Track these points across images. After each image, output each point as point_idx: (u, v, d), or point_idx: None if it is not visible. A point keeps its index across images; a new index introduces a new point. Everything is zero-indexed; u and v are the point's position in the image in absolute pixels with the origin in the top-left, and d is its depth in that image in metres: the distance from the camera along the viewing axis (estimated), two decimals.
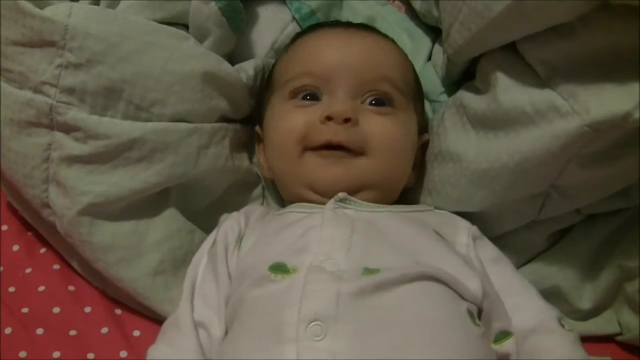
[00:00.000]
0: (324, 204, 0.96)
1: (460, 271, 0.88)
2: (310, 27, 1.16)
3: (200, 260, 0.99)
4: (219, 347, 0.88)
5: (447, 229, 0.97)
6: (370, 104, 1.01)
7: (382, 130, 0.99)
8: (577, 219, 1.05)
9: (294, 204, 1.03)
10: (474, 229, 0.99)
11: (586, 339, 1.05)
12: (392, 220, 0.95)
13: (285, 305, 0.81)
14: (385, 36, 1.12)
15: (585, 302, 1.05)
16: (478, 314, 0.88)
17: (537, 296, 0.95)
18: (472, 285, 0.87)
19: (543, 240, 1.07)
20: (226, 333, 0.90)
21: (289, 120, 1.01)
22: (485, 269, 0.94)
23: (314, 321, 0.78)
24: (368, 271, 0.83)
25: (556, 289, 1.05)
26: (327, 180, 0.98)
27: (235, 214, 1.03)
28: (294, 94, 1.03)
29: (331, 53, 1.03)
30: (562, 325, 0.92)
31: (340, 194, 0.96)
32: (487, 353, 0.85)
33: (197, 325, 0.91)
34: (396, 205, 1.02)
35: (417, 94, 1.10)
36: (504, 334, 0.90)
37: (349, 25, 1.13)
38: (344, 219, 0.92)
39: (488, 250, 0.98)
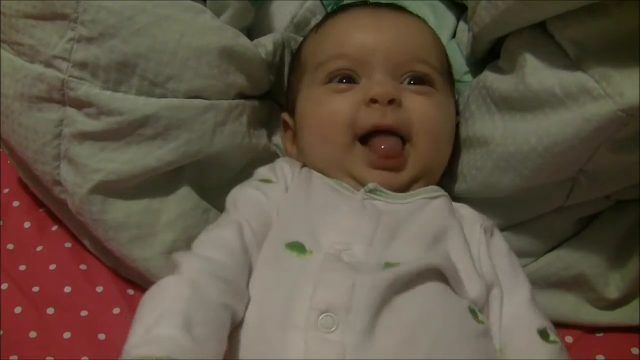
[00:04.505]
0: (357, 189, 0.94)
1: (468, 274, 0.86)
2: (339, 7, 1.12)
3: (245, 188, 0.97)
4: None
5: (463, 221, 0.94)
6: (409, 83, 0.99)
7: (425, 109, 0.97)
8: (605, 205, 1.02)
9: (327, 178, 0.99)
10: (488, 223, 0.96)
11: (611, 329, 1.04)
12: (422, 209, 0.93)
13: (296, 290, 0.79)
14: (417, 16, 1.09)
15: (612, 290, 1.02)
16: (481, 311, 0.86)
17: (525, 302, 0.89)
18: (474, 291, 0.85)
19: (570, 226, 1.04)
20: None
21: (332, 105, 0.98)
22: (495, 265, 0.91)
23: (326, 312, 0.76)
24: (389, 265, 0.82)
25: (582, 276, 1.02)
26: (371, 180, 0.94)
27: (282, 159, 1.04)
28: (328, 79, 1.00)
29: (365, 34, 1.00)
30: (546, 335, 0.86)
31: (371, 185, 0.94)
32: (489, 350, 0.83)
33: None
34: (429, 189, 0.97)
35: (450, 75, 1.08)
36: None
37: (378, 5, 1.09)
38: (371, 212, 0.90)
39: (498, 245, 0.95)
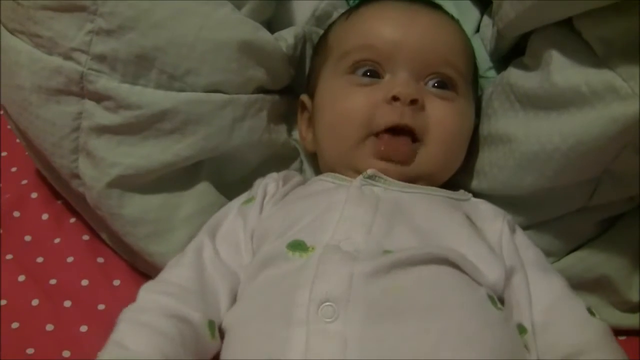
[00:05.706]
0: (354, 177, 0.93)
1: (482, 259, 0.84)
2: None
3: (228, 213, 0.97)
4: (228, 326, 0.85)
5: (480, 214, 0.94)
6: (433, 86, 0.97)
7: (444, 116, 0.95)
8: (629, 206, 1.00)
9: (325, 174, 1.01)
10: (509, 217, 0.95)
11: (634, 332, 1.03)
12: (421, 201, 0.92)
13: (297, 286, 0.78)
14: (451, 16, 1.08)
15: (635, 293, 1.01)
16: (500, 300, 0.84)
17: (565, 285, 0.90)
18: (492, 274, 0.83)
19: (592, 227, 1.02)
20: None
21: (350, 101, 0.97)
22: (519, 254, 0.90)
23: (325, 302, 0.75)
24: (388, 253, 0.80)
25: (605, 278, 1.01)
26: (377, 170, 0.94)
27: (274, 174, 1.01)
28: (352, 69, 0.99)
29: (395, 29, 0.98)
30: (593, 314, 0.86)
31: (369, 171, 0.92)
32: (510, 336, 0.81)
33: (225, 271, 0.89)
34: (431, 188, 0.97)
35: (475, 79, 1.06)
36: (521, 328, 0.84)
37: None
38: (369, 198, 0.89)
39: (521, 238, 0.95)
